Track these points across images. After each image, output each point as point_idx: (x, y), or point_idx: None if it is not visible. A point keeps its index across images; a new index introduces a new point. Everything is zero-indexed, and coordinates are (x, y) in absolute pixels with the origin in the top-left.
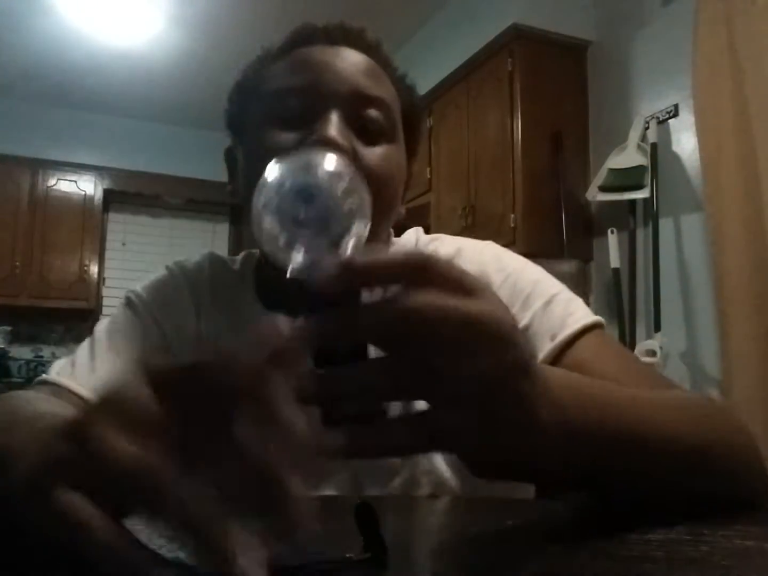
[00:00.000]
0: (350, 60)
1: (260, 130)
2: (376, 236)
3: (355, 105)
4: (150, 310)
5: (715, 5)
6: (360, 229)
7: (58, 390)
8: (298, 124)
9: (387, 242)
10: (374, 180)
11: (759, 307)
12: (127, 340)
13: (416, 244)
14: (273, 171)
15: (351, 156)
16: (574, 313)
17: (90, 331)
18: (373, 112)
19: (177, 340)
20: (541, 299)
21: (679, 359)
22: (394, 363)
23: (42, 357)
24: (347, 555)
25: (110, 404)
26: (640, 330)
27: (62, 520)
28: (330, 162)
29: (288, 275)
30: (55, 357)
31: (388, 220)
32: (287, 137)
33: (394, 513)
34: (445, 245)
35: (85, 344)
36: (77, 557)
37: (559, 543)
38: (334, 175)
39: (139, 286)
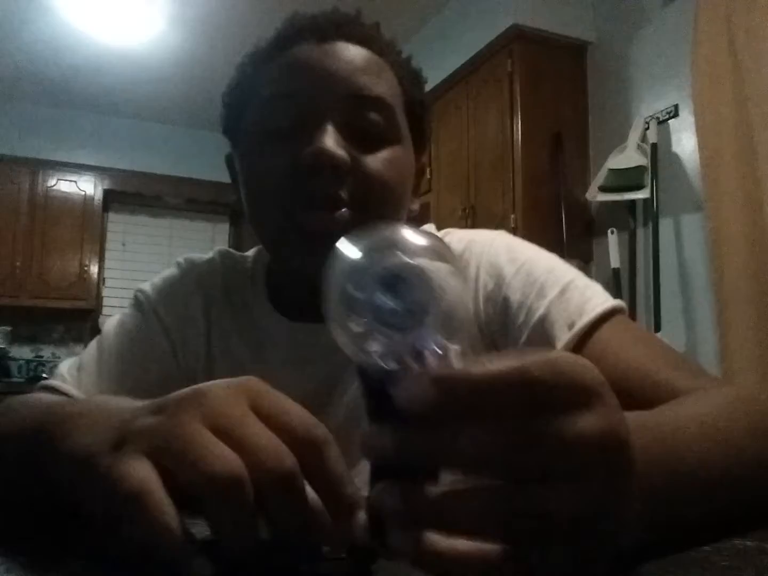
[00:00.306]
0: (345, 58)
1: (254, 141)
2: None
3: (352, 109)
4: (157, 312)
5: (715, 5)
6: (456, 325)
7: (61, 396)
8: (292, 135)
9: None
10: (378, 188)
11: (759, 307)
12: (134, 344)
13: None
14: (349, 249)
15: (350, 167)
16: (592, 299)
17: (90, 331)
18: (372, 116)
19: (182, 343)
20: (556, 287)
21: None
22: (493, 492)
23: (42, 357)
24: (330, 553)
25: (201, 398)
26: None
27: (125, 485)
28: (422, 242)
29: (359, 372)
30: (55, 357)
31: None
32: (282, 158)
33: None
34: (455, 239)
35: (93, 347)
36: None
37: None
38: (428, 256)
39: (147, 285)
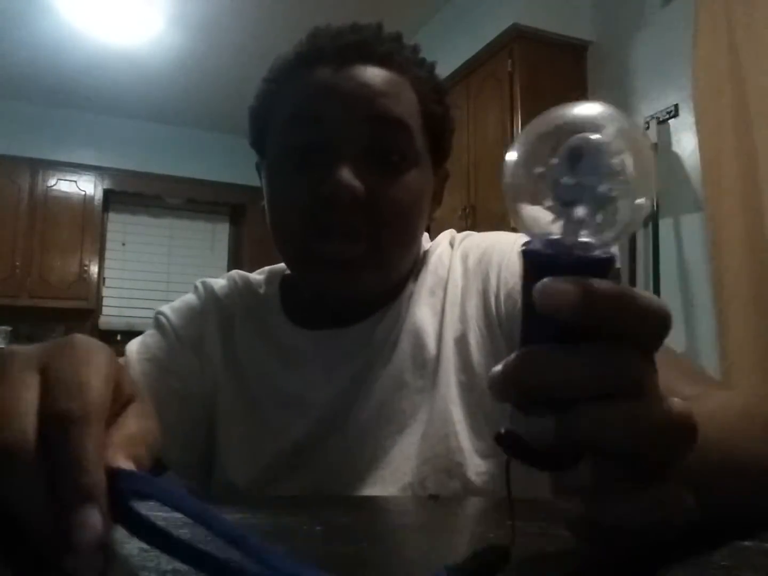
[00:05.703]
0: (364, 81)
1: (275, 162)
2: (401, 261)
3: (370, 134)
4: (176, 332)
5: (715, 6)
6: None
7: None
8: (311, 160)
9: (417, 258)
10: (393, 217)
11: (759, 307)
12: (157, 362)
13: (453, 244)
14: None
15: (366, 198)
16: None
17: (90, 331)
18: (390, 139)
19: (201, 359)
20: None
21: None
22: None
23: None
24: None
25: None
26: None
27: None
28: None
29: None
30: None
31: (413, 244)
32: (300, 188)
33: (395, 513)
34: (476, 240)
35: None
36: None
37: (556, 543)
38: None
39: (167, 307)
